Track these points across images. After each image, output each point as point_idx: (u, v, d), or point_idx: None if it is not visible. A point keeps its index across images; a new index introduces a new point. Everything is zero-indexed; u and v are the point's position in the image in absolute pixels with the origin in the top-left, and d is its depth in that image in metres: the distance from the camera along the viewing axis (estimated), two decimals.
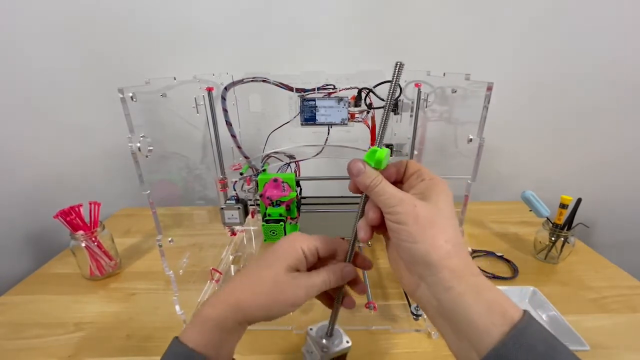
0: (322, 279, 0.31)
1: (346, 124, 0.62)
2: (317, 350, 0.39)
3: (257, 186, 0.58)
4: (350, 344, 0.40)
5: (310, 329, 0.41)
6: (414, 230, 0.26)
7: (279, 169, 0.64)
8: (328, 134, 0.63)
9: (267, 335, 0.50)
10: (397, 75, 0.28)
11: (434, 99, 0.55)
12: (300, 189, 0.63)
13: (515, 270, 0.65)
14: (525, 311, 0.24)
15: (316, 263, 0.33)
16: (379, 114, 0.63)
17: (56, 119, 0.77)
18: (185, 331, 0.30)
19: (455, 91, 0.47)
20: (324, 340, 0.39)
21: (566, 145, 0.90)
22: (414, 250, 0.26)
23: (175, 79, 0.49)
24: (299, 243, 0.32)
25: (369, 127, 0.65)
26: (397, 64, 0.28)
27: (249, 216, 0.65)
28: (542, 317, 0.53)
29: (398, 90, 0.57)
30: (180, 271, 0.49)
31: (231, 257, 0.71)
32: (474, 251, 0.71)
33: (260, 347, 0.48)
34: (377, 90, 0.60)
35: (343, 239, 0.34)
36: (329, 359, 0.39)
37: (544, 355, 0.22)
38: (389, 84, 0.28)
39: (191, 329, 0.30)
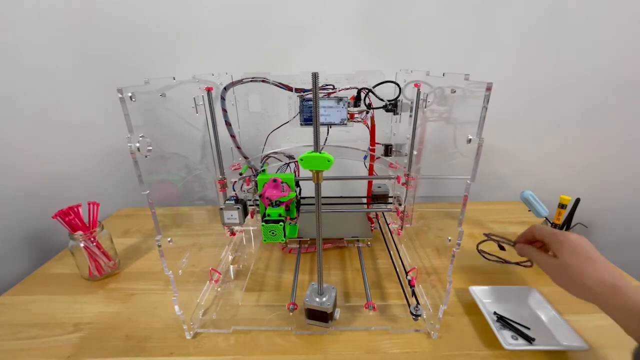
0: None
1: (346, 124, 0.62)
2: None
3: (257, 186, 0.58)
4: (329, 305, 0.49)
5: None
6: (559, 283, 0.45)
7: (279, 169, 0.64)
8: (327, 134, 0.63)
9: (267, 335, 0.50)
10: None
11: (433, 99, 0.55)
12: (300, 189, 0.62)
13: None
14: None
15: None
16: (378, 114, 0.63)
17: (55, 119, 0.77)
18: None
19: (455, 91, 0.47)
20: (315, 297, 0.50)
21: (565, 145, 0.90)
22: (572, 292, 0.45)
23: (174, 78, 0.49)
24: None
25: (368, 127, 0.65)
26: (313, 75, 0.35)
27: (249, 216, 0.64)
28: (541, 317, 0.53)
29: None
30: (180, 271, 0.49)
31: (230, 258, 0.71)
32: None
33: (260, 347, 0.48)
34: (377, 90, 0.60)
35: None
36: (309, 307, 0.50)
37: None
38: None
39: None
